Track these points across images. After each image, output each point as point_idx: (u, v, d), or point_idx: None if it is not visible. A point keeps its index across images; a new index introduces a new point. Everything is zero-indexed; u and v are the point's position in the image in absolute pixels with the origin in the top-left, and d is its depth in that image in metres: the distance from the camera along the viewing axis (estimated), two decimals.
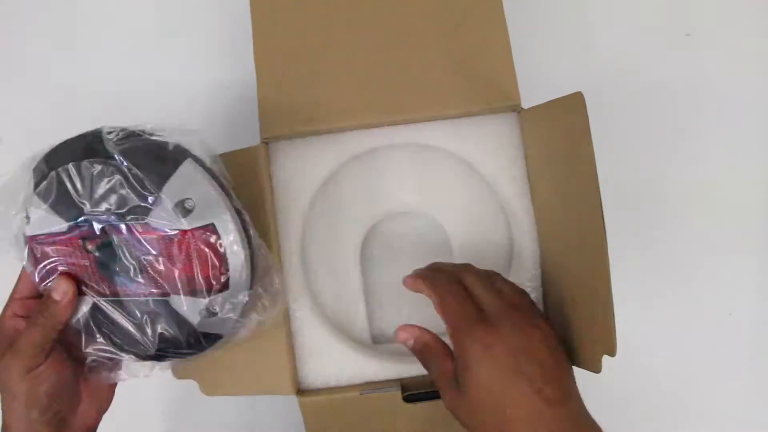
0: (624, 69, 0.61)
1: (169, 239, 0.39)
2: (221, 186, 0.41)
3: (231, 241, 0.40)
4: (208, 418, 0.60)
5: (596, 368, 0.43)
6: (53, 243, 0.41)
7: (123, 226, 0.39)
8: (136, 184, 0.38)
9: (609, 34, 0.62)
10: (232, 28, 0.59)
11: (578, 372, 0.43)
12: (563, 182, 0.46)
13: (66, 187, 0.40)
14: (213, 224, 0.40)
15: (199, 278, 0.40)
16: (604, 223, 0.39)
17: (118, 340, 0.42)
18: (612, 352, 0.41)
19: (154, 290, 0.41)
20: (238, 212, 0.41)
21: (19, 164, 0.44)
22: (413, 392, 0.47)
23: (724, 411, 0.61)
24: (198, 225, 0.39)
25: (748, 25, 0.62)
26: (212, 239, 0.40)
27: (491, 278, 0.45)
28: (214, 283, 0.40)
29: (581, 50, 0.62)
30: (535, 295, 0.53)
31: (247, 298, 0.42)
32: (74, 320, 0.42)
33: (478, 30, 0.50)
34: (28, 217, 0.41)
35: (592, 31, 0.62)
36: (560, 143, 0.45)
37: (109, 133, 0.40)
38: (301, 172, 0.52)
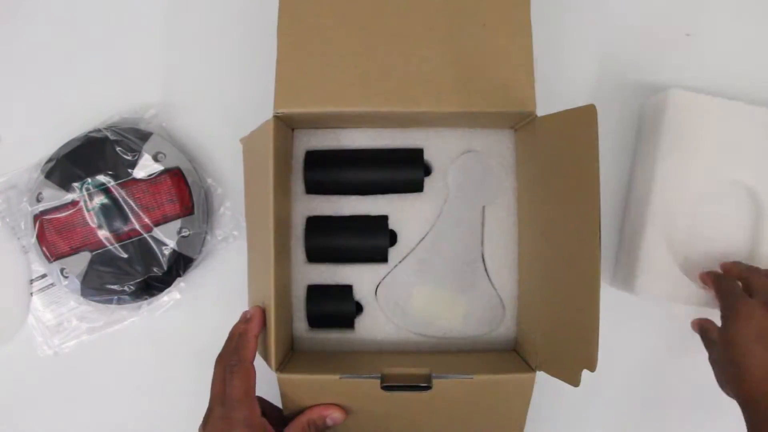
0: (623, 69, 0.62)
1: (151, 183, 0.58)
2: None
3: (193, 179, 0.59)
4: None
5: (575, 382, 0.44)
6: (61, 210, 0.57)
7: (115, 184, 0.57)
8: (125, 146, 0.57)
9: (610, 34, 0.63)
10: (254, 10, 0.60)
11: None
12: (566, 190, 0.46)
13: (70, 165, 0.57)
14: (179, 167, 0.58)
15: (173, 206, 0.58)
16: (599, 241, 0.40)
17: (111, 281, 0.57)
18: (591, 368, 0.42)
19: (141, 227, 0.57)
20: (193, 166, 0.61)
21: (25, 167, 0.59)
22: (392, 383, 0.47)
23: (723, 411, 0.61)
24: (169, 167, 0.58)
25: (749, 24, 0.63)
26: (179, 177, 0.58)
27: None
28: (183, 208, 0.58)
29: (589, 55, 0.63)
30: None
31: (206, 225, 0.60)
32: (76, 274, 0.57)
33: (503, 32, 0.51)
34: (40, 197, 0.57)
35: (595, 31, 0.63)
36: (569, 153, 0.46)
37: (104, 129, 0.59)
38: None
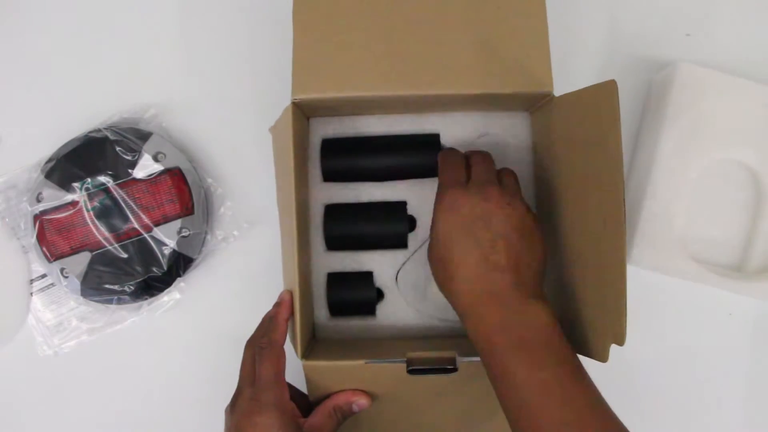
0: (623, 68, 0.62)
1: (151, 183, 0.58)
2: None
3: (193, 179, 0.59)
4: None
5: (603, 357, 0.43)
6: (61, 210, 0.57)
7: (115, 184, 0.57)
8: (125, 146, 0.57)
9: (619, 11, 0.62)
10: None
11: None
12: (587, 168, 0.46)
13: (70, 165, 0.57)
14: (179, 167, 0.58)
15: (173, 206, 0.58)
16: (624, 212, 0.40)
17: (111, 281, 0.57)
18: (620, 342, 0.42)
19: (141, 227, 0.57)
20: (193, 165, 0.61)
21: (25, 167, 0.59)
22: (418, 367, 0.47)
23: (724, 410, 0.61)
24: (169, 167, 0.58)
25: (748, 24, 0.62)
26: (179, 177, 0.58)
27: (495, 164, 0.50)
28: (183, 208, 0.58)
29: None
30: None
31: (206, 225, 0.60)
32: (76, 274, 0.56)
33: (518, 14, 0.50)
34: (40, 197, 0.57)
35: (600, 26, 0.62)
36: (589, 130, 0.46)
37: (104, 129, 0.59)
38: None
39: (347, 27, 0.50)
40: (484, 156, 0.51)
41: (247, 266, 0.60)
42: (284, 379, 0.46)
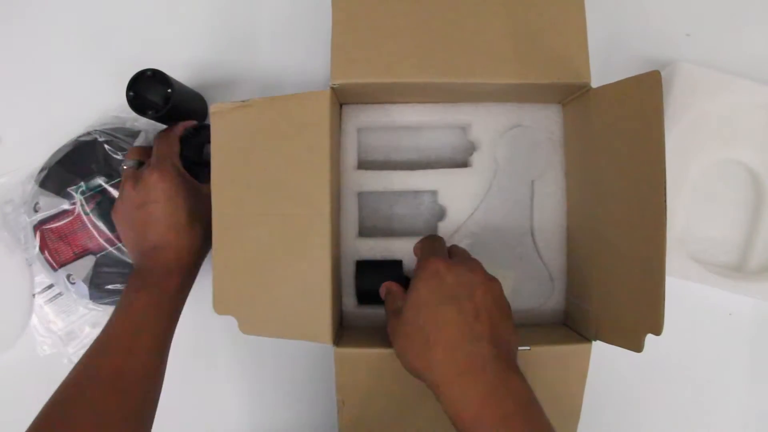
0: (623, 68, 0.60)
1: None
2: None
3: None
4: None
5: (639, 348, 0.45)
6: (59, 217, 0.59)
7: (111, 184, 0.58)
8: (115, 145, 0.59)
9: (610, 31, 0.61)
10: None
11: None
12: (627, 158, 0.47)
13: (63, 171, 0.59)
14: None
15: None
16: (665, 203, 0.41)
17: (119, 281, 0.59)
18: (657, 331, 0.43)
19: None
20: None
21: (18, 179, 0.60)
22: None
23: (723, 410, 0.63)
24: None
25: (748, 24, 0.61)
26: None
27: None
28: None
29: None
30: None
31: None
32: (83, 279, 0.59)
33: (556, 3, 0.51)
34: (37, 206, 0.59)
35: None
36: (630, 120, 0.46)
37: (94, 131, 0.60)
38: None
39: (386, 14, 0.50)
40: (461, 248, 0.52)
41: None
42: (177, 155, 0.54)
